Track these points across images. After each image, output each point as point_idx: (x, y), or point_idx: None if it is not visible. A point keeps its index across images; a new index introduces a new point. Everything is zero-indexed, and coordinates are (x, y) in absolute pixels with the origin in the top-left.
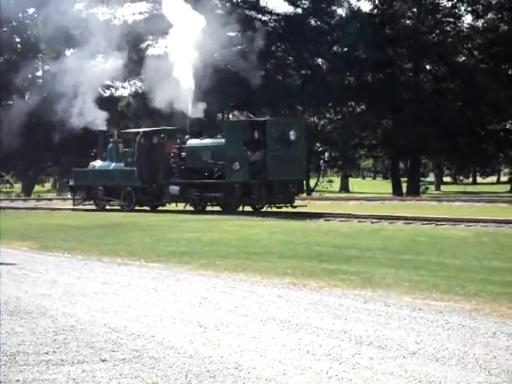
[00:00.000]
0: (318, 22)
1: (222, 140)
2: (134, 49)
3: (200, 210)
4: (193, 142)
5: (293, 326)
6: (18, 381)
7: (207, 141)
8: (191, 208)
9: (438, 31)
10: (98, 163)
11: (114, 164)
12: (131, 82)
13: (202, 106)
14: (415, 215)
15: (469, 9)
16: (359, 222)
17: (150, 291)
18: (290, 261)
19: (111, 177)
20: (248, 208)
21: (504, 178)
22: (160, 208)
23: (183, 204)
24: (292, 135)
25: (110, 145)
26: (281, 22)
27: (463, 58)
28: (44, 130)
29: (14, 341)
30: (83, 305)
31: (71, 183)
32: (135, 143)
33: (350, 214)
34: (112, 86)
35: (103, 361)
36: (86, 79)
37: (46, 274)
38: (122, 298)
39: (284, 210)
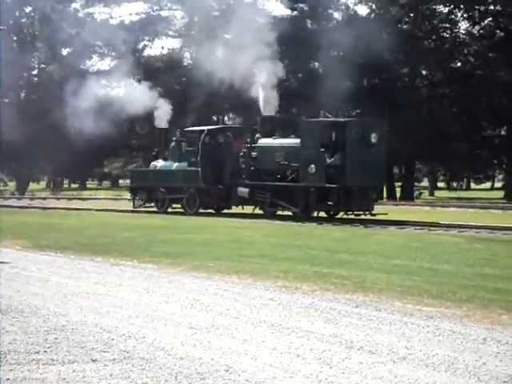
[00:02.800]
0: (315, 26)
1: (297, 140)
2: (131, 49)
3: (271, 214)
4: (265, 141)
5: (284, 329)
6: (8, 379)
7: (281, 141)
8: (260, 211)
9: (434, 37)
10: (159, 163)
11: (176, 164)
12: (127, 83)
13: (275, 103)
14: (408, 220)
15: (465, 15)
16: (351, 226)
17: (141, 292)
18: (282, 263)
19: (173, 178)
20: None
21: (498, 185)
22: (226, 211)
23: (251, 207)
24: (373, 138)
25: (173, 144)
26: (277, 25)
27: (459, 64)
28: (39, 128)
29: (5, 339)
30: (75, 304)
31: (130, 184)
32: (199, 142)
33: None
34: (107, 86)
35: (94, 361)
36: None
37: (38, 272)
38: (114, 299)
39: (362, 217)
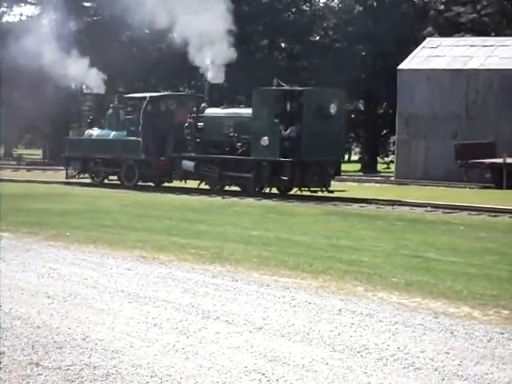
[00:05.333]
0: None
1: (249, 110)
2: None
3: (218, 189)
4: (212, 111)
5: (141, 298)
6: None
7: (230, 111)
8: (206, 186)
9: (293, 9)
10: (95, 131)
11: (113, 133)
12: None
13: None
14: (265, 192)
15: None
16: (211, 197)
17: None
18: (139, 234)
19: (111, 147)
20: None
21: (355, 158)
22: (166, 185)
23: (196, 182)
24: (332, 108)
25: (110, 111)
26: None
27: (318, 38)
28: None
29: None
30: None
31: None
32: (140, 110)
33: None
34: None
35: None
36: None
37: None
38: None
39: (320, 194)
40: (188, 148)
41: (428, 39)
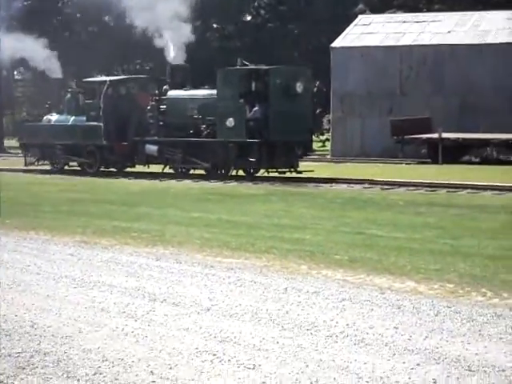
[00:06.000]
0: None
1: (213, 91)
2: None
3: (182, 173)
4: (175, 93)
5: (86, 284)
6: None
7: (193, 92)
8: (171, 170)
9: None
10: (53, 117)
11: (73, 118)
12: None
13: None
14: (202, 173)
15: None
16: (149, 180)
17: None
18: (80, 219)
19: (70, 133)
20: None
21: None
22: (129, 169)
23: (159, 166)
24: (298, 87)
25: (68, 95)
26: None
27: (249, 18)
28: None
29: None
30: None
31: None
32: (101, 94)
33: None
34: None
35: None
36: None
37: None
38: None
39: (288, 175)
40: (151, 132)
41: (360, 16)
